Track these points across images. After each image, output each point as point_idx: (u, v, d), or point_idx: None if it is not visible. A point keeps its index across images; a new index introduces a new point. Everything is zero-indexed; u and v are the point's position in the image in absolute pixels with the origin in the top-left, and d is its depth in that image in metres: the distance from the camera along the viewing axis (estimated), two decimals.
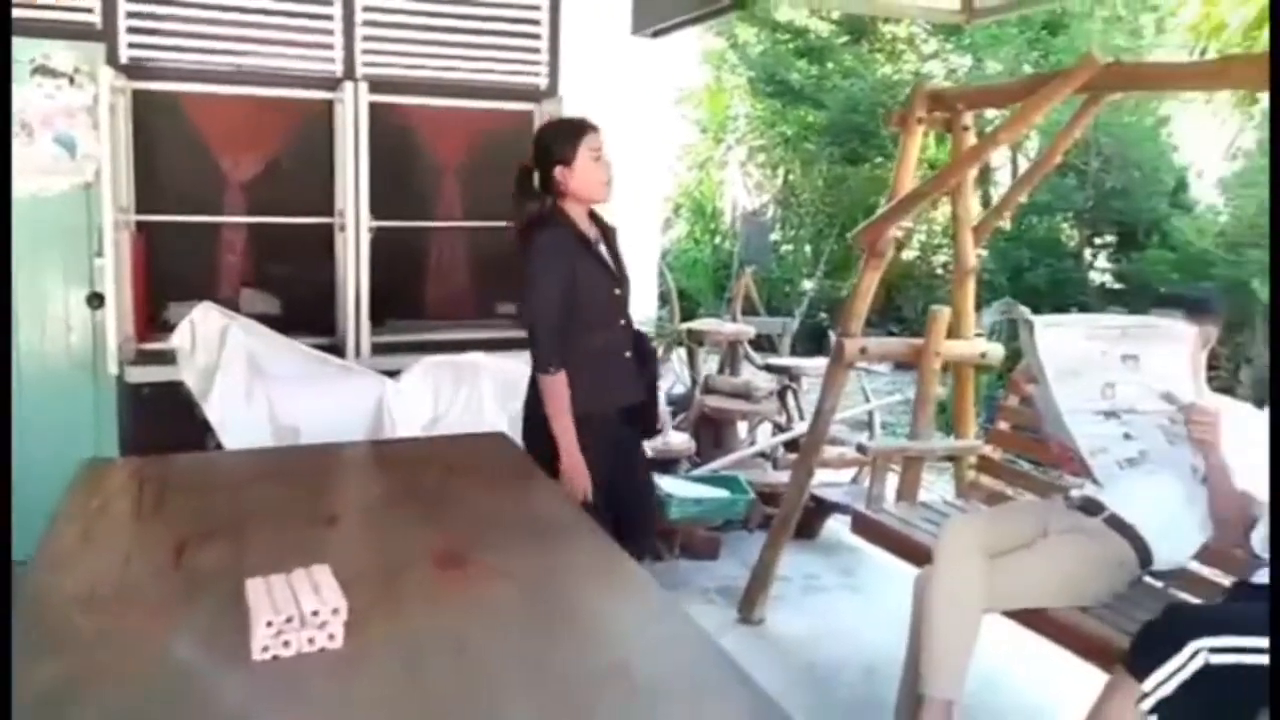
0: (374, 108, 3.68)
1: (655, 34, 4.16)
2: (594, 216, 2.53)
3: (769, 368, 5.20)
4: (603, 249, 2.52)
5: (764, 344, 7.48)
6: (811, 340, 7.75)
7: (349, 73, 3.80)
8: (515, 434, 3.16)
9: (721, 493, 3.97)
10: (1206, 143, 7.74)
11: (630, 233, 5.53)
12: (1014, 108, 2.93)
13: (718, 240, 10.45)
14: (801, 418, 4.87)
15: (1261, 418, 2.44)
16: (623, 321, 2.56)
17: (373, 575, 1.66)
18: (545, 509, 2.13)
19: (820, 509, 4.12)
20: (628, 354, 2.57)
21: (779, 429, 4.88)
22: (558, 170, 2.42)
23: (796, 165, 9.99)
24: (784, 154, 10.07)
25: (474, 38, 4.02)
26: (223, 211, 3.86)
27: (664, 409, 2.58)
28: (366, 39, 3.85)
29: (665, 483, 3.89)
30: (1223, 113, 7.17)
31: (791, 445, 4.59)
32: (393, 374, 3.36)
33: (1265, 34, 4.60)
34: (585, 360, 2.44)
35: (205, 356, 3.12)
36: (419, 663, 1.38)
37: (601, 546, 1.87)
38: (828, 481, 4.33)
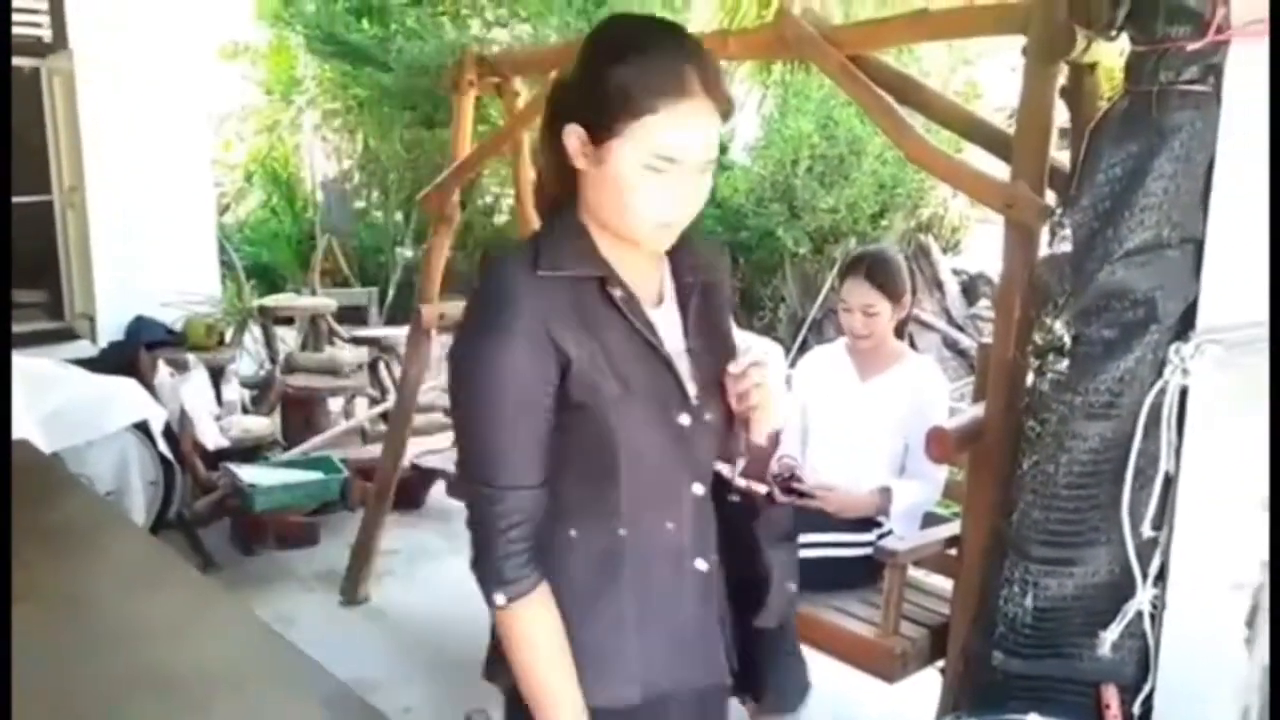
0: None
1: None
2: (678, 253, 1.24)
3: (356, 340, 5.04)
4: (673, 320, 1.23)
5: (363, 317, 7.19)
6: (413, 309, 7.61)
7: None
8: (49, 440, 2.77)
9: (313, 475, 3.80)
10: (742, 109, 8.82)
11: (178, 202, 4.99)
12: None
13: (299, 208, 9.86)
14: (396, 389, 4.79)
15: (776, 348, 2.89)
16: (696, 488, 1.23)
17: None
18: (73, 519, 1.90)
19: (423, 477, 4.10)
20: (701, 564, 1.24)
21: (375, 402, 4.76)
22: (576, 140, 1.13)
23: (375, 129, 9.69)
24: (360, 117, 9.71)
25: None
26: None
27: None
28: None
29: (246, 473, 3.66)
30: (748, 82, 8.22)
31: (388, 417, 4.51)
32: None
33: (773, 10, 5.38)
34: (572, 577, 1.19)
35: None
36: None
37: (142, 548, 1.71)
38: (431, 449, 4.32)
